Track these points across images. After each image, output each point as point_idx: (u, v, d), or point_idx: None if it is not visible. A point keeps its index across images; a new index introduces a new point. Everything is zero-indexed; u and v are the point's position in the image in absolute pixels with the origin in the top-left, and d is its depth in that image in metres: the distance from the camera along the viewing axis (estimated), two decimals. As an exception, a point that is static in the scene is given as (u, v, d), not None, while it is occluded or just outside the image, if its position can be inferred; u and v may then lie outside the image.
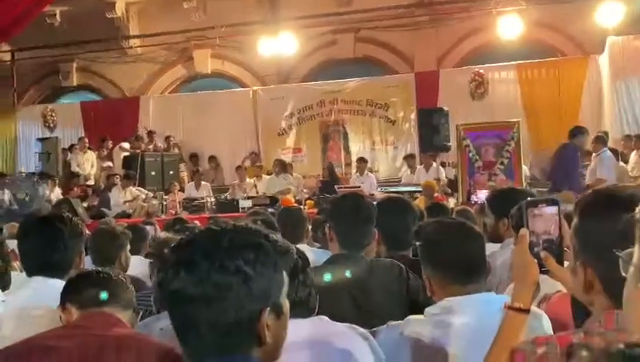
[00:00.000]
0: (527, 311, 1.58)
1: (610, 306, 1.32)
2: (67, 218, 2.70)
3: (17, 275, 3.07)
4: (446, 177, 11.81)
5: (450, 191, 11.05)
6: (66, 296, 2.10)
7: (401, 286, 2.60)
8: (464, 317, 2.02)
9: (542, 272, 1.56)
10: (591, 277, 1.34)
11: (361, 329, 1.93)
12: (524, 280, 1.58)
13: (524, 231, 1.55)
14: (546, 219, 1.55)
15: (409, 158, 13.19)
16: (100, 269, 2.17)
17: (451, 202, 9.65)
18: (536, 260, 1.55)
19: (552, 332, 1.93)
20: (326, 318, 1.87)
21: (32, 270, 2.59)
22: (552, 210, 1.56)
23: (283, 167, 12.92)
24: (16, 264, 3.78)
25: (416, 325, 2.12)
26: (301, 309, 1.48)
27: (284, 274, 1.35)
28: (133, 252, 4.33)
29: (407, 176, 12.98)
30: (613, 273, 1.31)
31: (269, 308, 1.30)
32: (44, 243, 2.58)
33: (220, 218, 8.04)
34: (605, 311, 1.32)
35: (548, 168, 11.53)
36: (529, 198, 1.62)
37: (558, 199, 1.63)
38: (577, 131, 9.40)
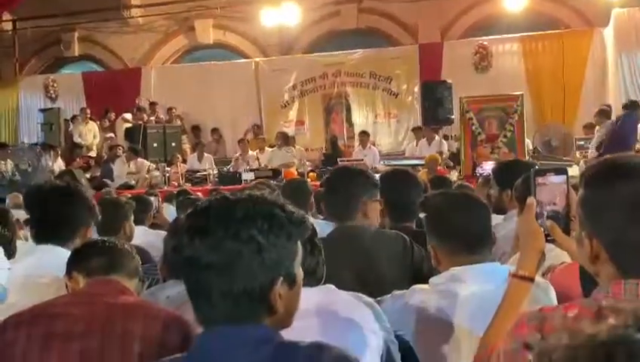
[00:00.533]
0: (531, 279, 1.58)
1: (617, 276, 1.32)
2: (76, 188, 2.72)
3: (23, 244, 3.09)
4: (448, 150, 11.79)
5: (452, 164, 11.04)
6: (73, 265, 2.11)
7: (405, 256, 2.62)
8: (470, 286, 2.03)
9: (548, 241, 1.56)
10: (597, 248, 1.34)
11: (367, 298, 1.94)
12: (529, 248, 1.58)
13: (531, 199, 1.55)
14: (553, 188, 1.55)
15: (417, 131, 13.13)
16: (105, 239, 2.18)
17: (453, 175, 9.65)
18: (542, 229, 1.55)
19: (557, 304, 1.94)
20: (333, 287, 1.89)
21: (39, 238, 2.62)
22: (559, 179, 1.55)
23: (285, 140, 12.88)
24: (22, 233, 3.80)
25: (422, 294, 2.13)
26: (309, 278, 1.49)
27: (299, 244, 1.35)
28: (137, 222, 4.36)
29: (411, 148, 12.94)
30: (619, 242, 1.31)
31: (281, 278, 1.31)
32: (54, 211, 2.61)
33: (222, 190, 8.05)
34: (612, 281, 1.32)
35: (552, 141, 11.53)
36: (537, 167, 1.61)
37: (566, 168, 1.62)
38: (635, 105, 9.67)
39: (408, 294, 2.17)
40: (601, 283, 1.35)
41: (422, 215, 2.29)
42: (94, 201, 2.75)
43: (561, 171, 1.58)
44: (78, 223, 2.61)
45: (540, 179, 1.55)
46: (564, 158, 10.67)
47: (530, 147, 11.19)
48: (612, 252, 1.32)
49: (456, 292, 2.05)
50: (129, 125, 13.91)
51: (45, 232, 2.60)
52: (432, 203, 2.23)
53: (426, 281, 2.20)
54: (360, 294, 1.94)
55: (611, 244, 1.32)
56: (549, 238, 1.55)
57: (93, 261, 2.06)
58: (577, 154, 11.27)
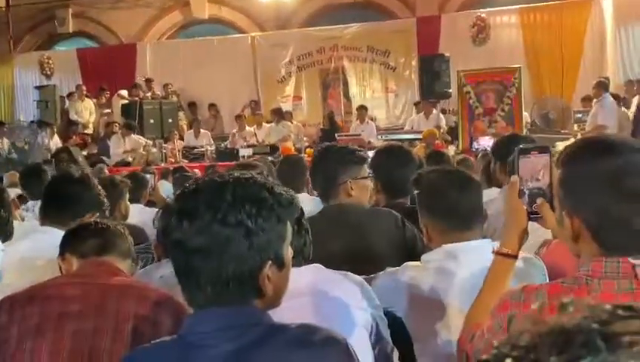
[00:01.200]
0: (514, 256, 1.60)
1: (600, 254, 1.32)
2: (87, 177, 2.79)
3: (20, 225, 3.09)
4: (446, 124, 11.76)
5: (450, 138, 11.03)
6: (66, 247, 2.12)
7: (398, 233, 2.63)
8: (461, 263, 2.05)
9: (531, 220, 1.57)
10: (578, 227, 1.34)
11: (356, 276, 1.95)
12: (513, 225, 1.59)
13: (514, 177, 1.56)
14: (537, 166, 1.55)
15: (417, 105, 13.05)
16: (97, 220, 2.19)
17: (451, 150, 9.64)
18: (525, 207, 1.56)
19: (548, 280, 1.95)
20: (321, 266, 1.89)
21: (43, 220, 2.66)
22: (543, 157, 1.56)
23: (280, 115, 12.86)
24: (18, 213, 3.81)
25: (414, 271, 2.15)
26: (296, 258, 1.50)
27: (288, 224, 1.36)
28: (134, 200, 4.36)
29: (410, 122, 12.87)
30: (600, 220, 1.31)
31: (270, 261, 1.31)
32: (62, 197, 2.65)
33: (218, 167, 8.05)
34: (593, 258, 1.32)
35: (550, 114, 11.50)
36: (521, 145, 1.62)
37: (550, 147, 1.63)
38: None
39: (400, 271, 2.18)
40: (583, 261, 1.36)
41: (415, 192, 2.29)
42: (104, 192, 2.78)
43: (545, 150, 1.59)
44: (84, 210, 2.64)
45: (524, 157, 1.56)
46: (562, 131, 10.66)
47: (528, 120, 11.17)
48: (593, 230, 1.32)
49: (447, 270, 2.06)
50: (125, 102, 13.85)
51: (50, 215, 2.63)
52: (424, 180, 2.23)
53: (418, 258, 2.22)
54: (348, 272, 1.95)
55: (592, 222, 1.32)
56: (532, 216, 1.55)
57: (87, 243, 2.08)
58: (575, 127, 11.25)
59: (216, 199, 1.29)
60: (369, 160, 2.94)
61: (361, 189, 2.76)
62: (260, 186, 1.33)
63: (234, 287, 1.29)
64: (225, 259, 1.28)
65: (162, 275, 2.25)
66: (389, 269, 2.23)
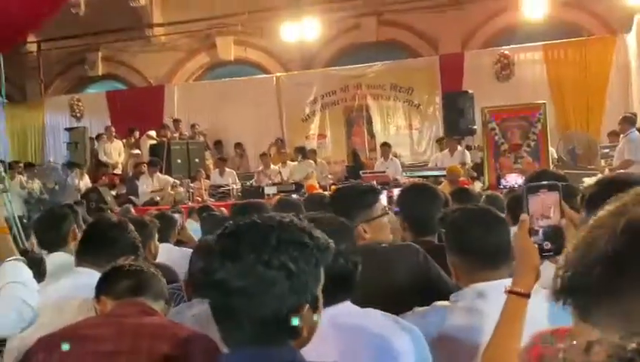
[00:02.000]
0: (527, 295, 1.60)
1: None
2: (125, 223, 2.90)
3: (53, 265, 3.15)
4: (472, 161, 11.74)
5: (475, 174, 11.00)
6: (101, 289, 2.17)
7: (422, 271, 2.61)
8: (491, 302, 2.03)
9: (543, 258, 1.57)
10: None
11: (404, 322, 1.94)
12: (524, 264, 1.60)
13: (524, 216, 1.57)
14: (547, 203, 1.56)
15: (440, 141, 13.08)
16: (132, 263, 2.24)
17: (477, 186, 9.61)
18: (536, 245, 1.56)
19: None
20: (371, 309, 1.91)
21: (79, 260, 2.73)
22: (553, 194, 1.57)
23: (305, 154, 12.96)
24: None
25: (444, 311, 2.13)
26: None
27: (322, 269, 1.39)
28: (162, 240, 4.41)
29: (434, 159, 12.89)
30: None
31: (307, 303, 1.35)
32: (99, 240, 2.73)
33: (246, 203, 8.09)
34: None
35: (576, 149, 11.43)
36: (529, 183, 1.63)
37: (559, 184, 1.63)
38: None
39: (430, 311, 2.16)
40: None
41: (442, 230, 2.30)
42: (140, 238, 2.89)
43: (554, 187, 1.59)
44: (120, 253, 2.70)
45: (532, 196, 1.57)
46: (589, 167, 10.58)
47: (555, 156, 11.11)
48: None
49: (478, 309, 2.04)
50: (153, 142, 14.08)
51: (86, 256, 2.70)
52: (451, 218, 2.24)
53: (443, 295, 2.21)
54: (397, 317, 1.94)
55: None
56: (544, 254, 1.56)
57: (121, 284, 2.12)
58: (602, 162, 11.16)
59: (261, 242, 1.32)
60: (382, 196, 2.92)
61: (377, 229, 2.73)
62: (301, 230, 1.37)
63: (272, 327, 1.32)
64: (266, 300, 1.31)
65: (194, 314, 2.28)
66: (418, 309, 2.22)
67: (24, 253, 2.79)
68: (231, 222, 1.44)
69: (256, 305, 1.31)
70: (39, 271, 2.71)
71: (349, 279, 1.90)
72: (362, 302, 2.03)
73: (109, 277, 2.18)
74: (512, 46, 14.25)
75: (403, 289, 2.52)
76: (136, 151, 14.69)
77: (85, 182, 12.97)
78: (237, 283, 1.31)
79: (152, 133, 14.48)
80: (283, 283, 1.31)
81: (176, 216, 5.69)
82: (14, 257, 2.35)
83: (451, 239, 2.20)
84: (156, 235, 4.07)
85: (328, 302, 1.81)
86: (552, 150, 10.73)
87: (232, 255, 1.33)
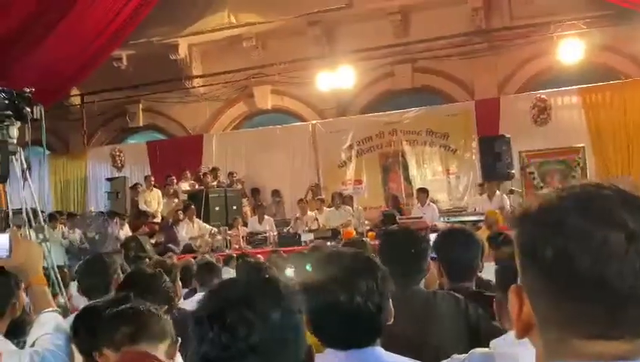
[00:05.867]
0: None
1: None
2: (159, 274, 3.02)
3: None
4: (511, 205, 11.57)
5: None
6: (100, 340, 2.13)
7: (460, 317, 2.56)
8: (529, 348, 1.98)
9: None
10: None
11: None
12: None
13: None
14: None
15: (482, 186, 12.93)
16: (130, 305, 2.19)
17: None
18: None
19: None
20: (380, 348, 1.88)
21: None
22: None
23: (341, 200, 12.96)
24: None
25: (483, 358, 2.08)
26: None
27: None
28: (204, 286, 4.46)
29: (473, 203, 12.71)
30: None
31: None
32: (135, 291, 2.80)
33: (282, 252, 8.10)
34: None
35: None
36: None
37: None
38: None
39: (469, 358, 2.12)
40: None
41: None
42: (172, 287, 3.05)
43: None
44: (155, 303, 2.77)
45: None
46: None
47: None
48: None
49: (514, 355, 1.99)
50: (191, 190, 14.26)
51: None
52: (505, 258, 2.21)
53: (484, 342, 2.16)
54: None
55: None
56: None
57: (119, 333, 2.07)
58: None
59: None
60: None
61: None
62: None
63: None
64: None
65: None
66: (456, 356, 2.17)
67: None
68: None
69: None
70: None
71: (370, 321, 1.86)
72: (400, 348, 1.99)
73: (106, 326, 2.14)
74: (548, 90, 14.15)
75: (441, 337, 2.48)
76: (176, 200, 14.88)
77: (125, 231, 13.15)
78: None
79: (185, 185, 14.68)
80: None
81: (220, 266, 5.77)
82: (51, 309, 2.39)
83: (499, 281, 2.17)
84: (179, 276, 4.18)
85: (348, 345, 1.78)
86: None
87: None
